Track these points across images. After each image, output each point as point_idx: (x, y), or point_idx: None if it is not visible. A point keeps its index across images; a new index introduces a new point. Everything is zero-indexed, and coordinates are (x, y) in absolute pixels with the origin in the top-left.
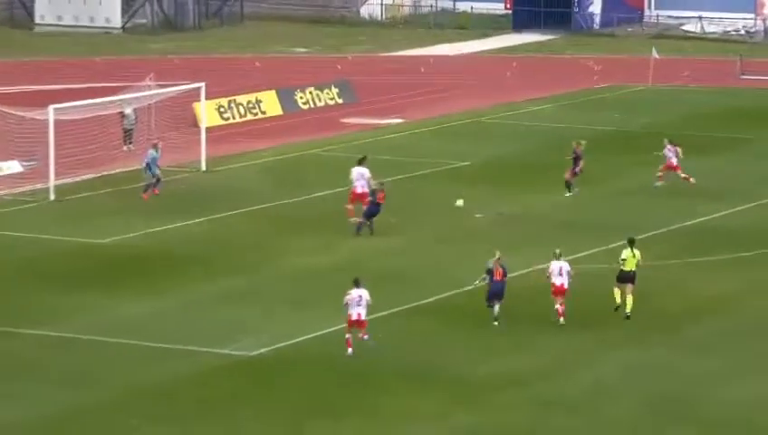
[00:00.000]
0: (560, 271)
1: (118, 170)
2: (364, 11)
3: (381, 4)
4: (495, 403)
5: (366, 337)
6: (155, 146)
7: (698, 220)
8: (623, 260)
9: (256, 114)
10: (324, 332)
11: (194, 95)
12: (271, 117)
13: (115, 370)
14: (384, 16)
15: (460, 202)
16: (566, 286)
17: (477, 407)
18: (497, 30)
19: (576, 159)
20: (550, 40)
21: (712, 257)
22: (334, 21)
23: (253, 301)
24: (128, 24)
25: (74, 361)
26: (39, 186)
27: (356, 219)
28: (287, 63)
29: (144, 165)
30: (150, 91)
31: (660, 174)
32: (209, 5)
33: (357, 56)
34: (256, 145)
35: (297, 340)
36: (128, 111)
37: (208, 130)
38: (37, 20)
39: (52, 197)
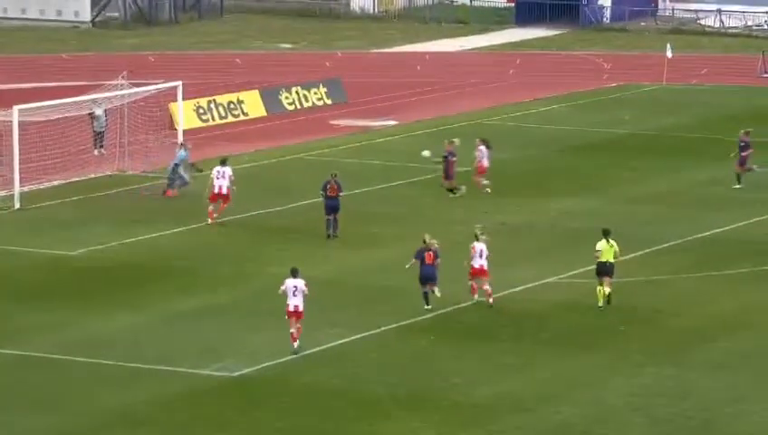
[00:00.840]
0: (480, 253)
1: (89, 176)
2: (354, 3)
3: None
4: (497, 429)
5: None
6: (183, 146)
7: (718, 230)
8: (598, 252)
9: (238, 115)
10: (312, 351)
11: (170, 95)
12: (253, 118)
13: (86, 393)
14: (376, 9)
15: (426, 153)
16: (486, 268)
17: (479, 433)
18: (499, 24)
19: None
20: (556, 35)
21: (732, 271)
22: (322, 14)
23: (233, 317)
24: (98, 18)
25: (43, 383)
26: (2, 193)
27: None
28: (271, 60)
29: (171, 166)
30: (123, 91)
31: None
32: None
33: (347, 53)
34: (238, 149)
35: (283, 359)
36: (98, 112)
37: (186, 132)
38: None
39: (17, 205)
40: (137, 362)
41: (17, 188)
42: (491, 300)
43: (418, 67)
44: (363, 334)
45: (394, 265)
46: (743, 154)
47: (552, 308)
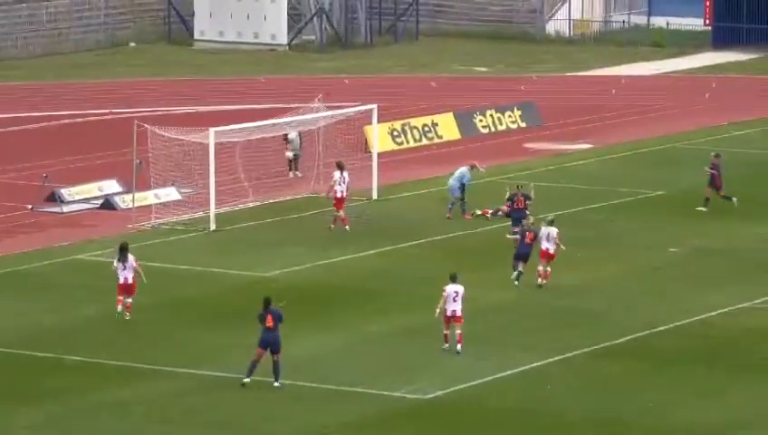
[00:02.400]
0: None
1: (288, 198)
2: (550, 27)
3: (569, 20)
4: None
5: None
6: (472, 167)
7: None
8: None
9: (432, 138)
10: (504, 374)
11: (365, 118)
12: (448, 141)
13: (281, 414)
14: (572, 32)
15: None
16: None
17: None
18: (695, 48)
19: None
20: (753, 59)
21: None
22: (517, 37)
23: (427, 339)
24: (294, 41)
25: (239, 403)
26: (199, 214)
27: None
28: (465, 83)
29: (458, 184)
30: (318, 114)
31: None
32: (382, 21)
33: (542, 76)
34: (432, 172)
35: (476, 382)
36: (292, 135)
37: (380, 155)
38: (196, 36)
39: (212, 226)
40: (330, 383)
41: (213, 209)
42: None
43: (613, 91)
44: (555, 358)
45: (584, 288)
46: (714, 176)
47: (748, 334)
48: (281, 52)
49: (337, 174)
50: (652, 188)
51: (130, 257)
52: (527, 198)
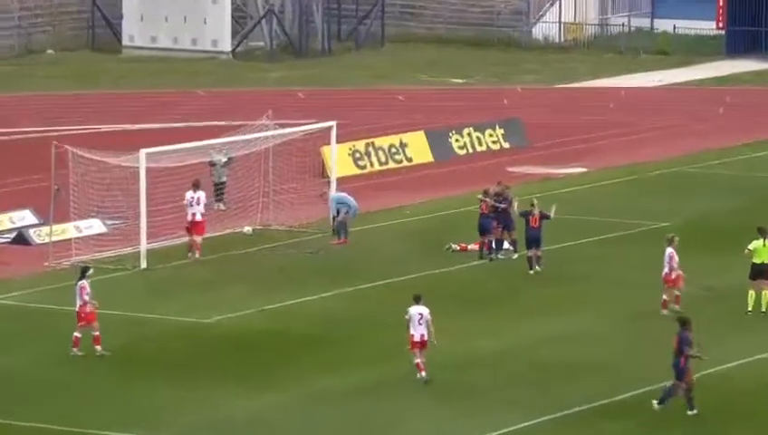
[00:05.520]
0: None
1: (224, 232)
2: (537, 31)
3: (559, 23)
4: None
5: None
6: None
7: None
8: (749, 251)
9: (400, 161)
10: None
11: (322, 137)
12: (419, 165)
13: None
14: (563, 38)
15: (248, 229)
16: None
17: None
18: (706, 56)
19: None
20: None
21: None
22: (500, 44)
23: (394, 395)
24: (240, 48)
25: None
26: (127, 250)
27: None
28: (439, 97)
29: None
30: (267, 133)
31: None
32: (342, 25)
33: (528, 88)
34: (400, 200)
35: None
36: (216, 158)
37: (340, 181)
38: (125, 42)
39: (143, 264)
40: None
41: (144, 245)
42: (423, 373)
43: (611, 105)
44: (546, 417)
45: (579, 335)
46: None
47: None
48: (224, 60)
49: (189, 194)
50: (656, 220)
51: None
52: (544, 217)
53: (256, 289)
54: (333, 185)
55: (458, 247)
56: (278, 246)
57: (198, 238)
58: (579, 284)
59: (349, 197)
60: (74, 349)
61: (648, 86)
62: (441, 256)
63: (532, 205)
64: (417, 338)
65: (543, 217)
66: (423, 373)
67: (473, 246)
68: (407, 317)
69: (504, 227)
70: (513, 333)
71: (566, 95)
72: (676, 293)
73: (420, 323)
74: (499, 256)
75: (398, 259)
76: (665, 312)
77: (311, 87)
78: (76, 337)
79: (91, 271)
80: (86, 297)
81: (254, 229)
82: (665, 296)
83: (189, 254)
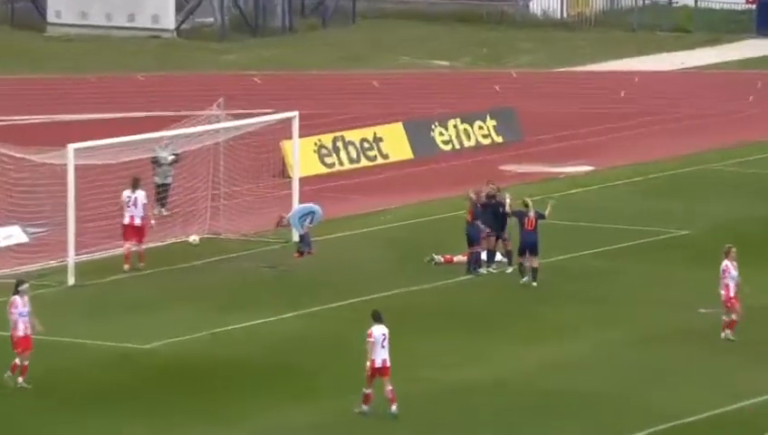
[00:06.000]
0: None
1: (167, 241)
2: (535, 6)
3: None
4: None
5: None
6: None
7: None
8: None
9: (374, 158)
10: None
11: (283, 130)
12: (396, 162)
13: None
14: (565, 13)
15: (194, 238)
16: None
17: None
18: (734, 34)
19: None
20: None
21: None
22: (491, 20)
23: (364, 431)
24: (185, 26)
25: None
26: (52, 263)
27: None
28: (420, 83)
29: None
30: (218, 125)
31: None
32: None
33: (523, 72)
34: (374, 204)
35: None
36: (162, 155)
37: (303, 181)
38: (51, 18)
39: (71, 280)
40: None
41: (72, 257)
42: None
43: (622, 93)
44: None
45: (582, 363)
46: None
47: None
48: (167, 40)
49: (126, 194)
50: (675, 226)
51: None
52: (540, 216)
53: (205, 309)
54: (296, 186)
55: (442, 260)
56: (230, 258)
57: (138, 247)
58: (582, 303)
59: (309, 204)
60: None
61: (666, 70)
62: (422, 270)
63: (527, 205)
64: (378, 364)
65: (539, 217)
66: (366, 407)
67: (459, 258)
68: (371, 341)
69: (497, 235)
70: (506, 361)
71: (568, 81)
72: (732, 317)
73: (384, 347)
74: (491, 270)
75: (371, 274)
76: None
77: (269, 71)
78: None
79: (25, 285)
80: (15, 316)
81: (201, 239)
82: (724, 318)
83: (126, 266)
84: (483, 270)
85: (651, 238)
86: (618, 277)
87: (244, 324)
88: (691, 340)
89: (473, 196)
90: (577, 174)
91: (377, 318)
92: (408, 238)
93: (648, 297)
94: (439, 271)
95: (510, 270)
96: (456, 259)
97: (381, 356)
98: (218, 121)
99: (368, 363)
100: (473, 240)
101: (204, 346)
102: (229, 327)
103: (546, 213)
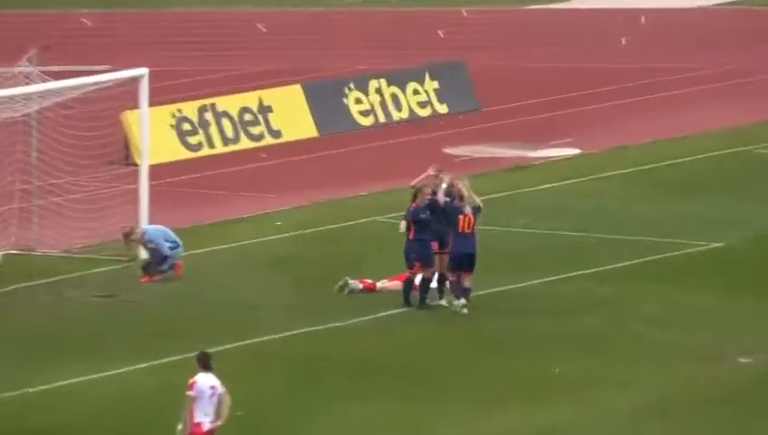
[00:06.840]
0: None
1: None
2: None
3: None
4: None
5: None
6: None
7: None
8: None
9: (260, 137)
10: None
11: (126, 95)
12: (293, 143)
13: None
14: None
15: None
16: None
17: None
18: None
19: None
20: None
21: None
22: None
23: None
24: None
25: None
26: None
27: None
28: (326, 27)
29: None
30: (29, 88)
31: None
32: None
33: (477, 11)
34: (259, 205)
35: None
36: None
37: (155, 170)
38: None
39: None
40: None
41: None
42: None
43: (623, 40)
44: None
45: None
46: None
47: None
48: None
49: None
50: (702, 237)
51: None
52: (478, 210)
53: (12, 360)
54: (144, 179)
55: (360, 286)
56: (48, 284)
57: None
58: (569, 350)
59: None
60: None
61: (683, 7)
62: (332, 301)
63: (461, 195)
64: (206, 427)
65: (476, 211)
66: None
67: (385, 285)
68: (191, 394)
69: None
70: (478, 428)
71: (543, 22)
72: None
73: (211, 402)
74: (447, 303)
75: (253, 306)
76: None
77: (103, 8)
78: None
79: None
80: None
81: (4, 256)
82: None
83: None
84: (443, 302)
85: (670, 253)
86: (621, 311)
87: (68, 381)
88: (728, 405)
89: (428, 191)
90: (559, 160)
91: (204, 363)
92: (307, 255)
93: (666, 341)
94: (357, 302)
95: (465, 310)
96: (379, 286)
97: (210, 417)
98: (29, 83)
99: (179, 427)
100: (422, 259)
101: (11, 410)
102: (45, 386)
103: (479, 202)
